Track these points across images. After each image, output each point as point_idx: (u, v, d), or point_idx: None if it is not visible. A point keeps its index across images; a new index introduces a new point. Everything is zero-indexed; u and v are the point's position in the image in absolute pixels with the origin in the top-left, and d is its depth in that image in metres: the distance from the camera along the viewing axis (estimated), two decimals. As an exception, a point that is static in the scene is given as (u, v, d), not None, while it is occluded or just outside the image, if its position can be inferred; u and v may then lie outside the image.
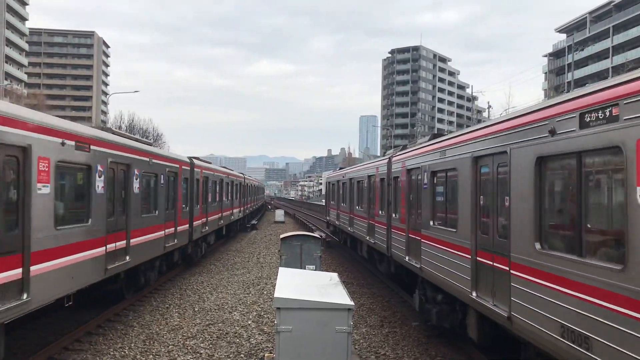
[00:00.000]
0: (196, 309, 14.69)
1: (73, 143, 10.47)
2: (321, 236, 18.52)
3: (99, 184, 11.79)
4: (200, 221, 22.76)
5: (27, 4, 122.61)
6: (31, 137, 8.91)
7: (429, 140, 13.32)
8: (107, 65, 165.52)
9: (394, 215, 15.84)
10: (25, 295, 8.67)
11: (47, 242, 9.38)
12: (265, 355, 10.17)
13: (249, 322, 13.26)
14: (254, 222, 46.67)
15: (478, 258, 9.07)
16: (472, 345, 10.67)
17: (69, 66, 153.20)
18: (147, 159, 15.42)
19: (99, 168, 11.79)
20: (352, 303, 8.11)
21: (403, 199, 14.49)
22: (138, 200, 14.43)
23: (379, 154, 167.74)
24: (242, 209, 39.63)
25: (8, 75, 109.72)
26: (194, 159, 22.13)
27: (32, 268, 8.85)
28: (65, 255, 10.14)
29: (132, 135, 16.37)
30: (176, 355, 10.72)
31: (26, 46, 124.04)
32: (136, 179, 14.31)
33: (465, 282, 9.51)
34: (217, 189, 27.45)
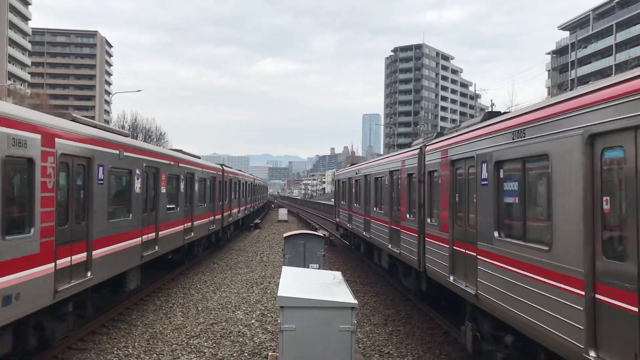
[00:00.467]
0: (200, 308, 14.70)
1: (174, 163, 17.90)
2: (325, 235, 18.49)
3: (182, 186, 18.91)
4: (227, 212, 29.79)
5: (29, 4, 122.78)
6: (160, 162, 16.25)
7: (483, 119, 10.05)
8: (110, 65, 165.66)
9: (428, 220, 12.71)
10: (157, 247, 15.75)
11: (164, 219, 16.62)
12: (269, 354, 10.17)
13: (253, 321, 13.26)
14: (257, 221, 46.68)
15: (599, 296, 5.84)
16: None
17: (72, 66, 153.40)
18: (201, 169, 22.38)
19: (182, 177, 18.89)
20: (355, 302, 8.09)
21: (445, 199, 11.23)
22: (197, 197, 21.40)
23: (382, 152, 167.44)
24: (253, 205, 47.81)
25: (11, 75, 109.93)
26: (224, 166, 29.43)
27: (160, 233, 16.10)
28: (170, 227, 17.45)
29: (193, 154, 23.34)
30: (180, 355, 10.72)
31: (29, 46, 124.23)
32: (196, 183, 21.13)
33: (571, 331, 6.24)
34: (237, 188, 34.80)
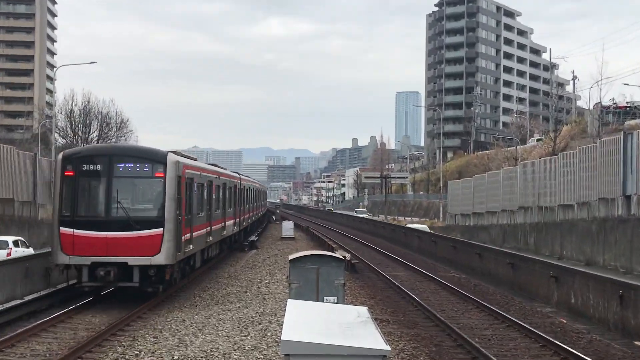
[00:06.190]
0: (176, 358, 14.78)
1: (232, 179, 38.24)
2: (345, 257, 18.50)
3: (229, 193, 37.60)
4: (252, 213, 50.60)
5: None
6: (213, 177, 33.47)
7: None
8: (54, 28, 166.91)
9: None
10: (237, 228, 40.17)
11: (239, 213, 41.58)
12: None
13: (248, 375, 13.30)
14: (253, 238, 46.90)
15: None
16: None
17: (2, 29, 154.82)
18: (254, 185, 49.84)
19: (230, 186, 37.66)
20: (387, 348, 8.09)
21: None
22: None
23: (422, 144, 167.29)
24: (264, 209, 73.41)
25: None
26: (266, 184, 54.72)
27: (225, 222, 36.34)
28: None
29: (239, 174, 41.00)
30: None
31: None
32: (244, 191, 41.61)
33: None
34: (255, 196, 52.61)
